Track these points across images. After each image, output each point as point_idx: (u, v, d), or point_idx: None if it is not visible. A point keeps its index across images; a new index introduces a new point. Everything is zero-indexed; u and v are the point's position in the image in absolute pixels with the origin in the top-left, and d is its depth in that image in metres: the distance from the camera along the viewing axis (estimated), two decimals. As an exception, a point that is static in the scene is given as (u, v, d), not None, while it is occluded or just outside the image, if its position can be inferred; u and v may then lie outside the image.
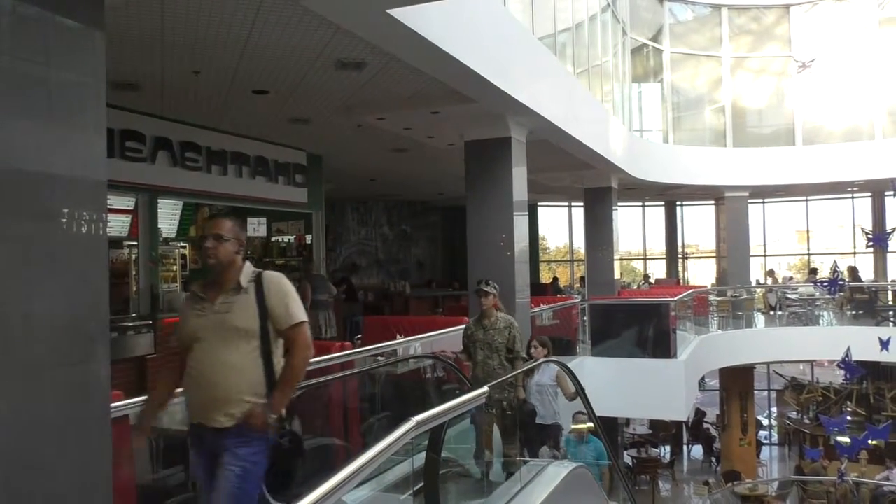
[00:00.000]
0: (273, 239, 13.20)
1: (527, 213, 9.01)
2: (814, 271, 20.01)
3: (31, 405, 2.57)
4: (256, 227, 12.39)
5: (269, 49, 6.00)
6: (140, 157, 7.94)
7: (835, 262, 16.95)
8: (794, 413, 19.17)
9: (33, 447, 2.55)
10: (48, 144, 2.77)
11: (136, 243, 8.75)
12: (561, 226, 22.97)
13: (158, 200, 8.83)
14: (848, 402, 16.95)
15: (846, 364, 7.01)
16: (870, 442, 9.77)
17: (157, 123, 8.15)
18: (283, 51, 6.06)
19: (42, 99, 2.76)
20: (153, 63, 6.26)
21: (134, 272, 8.64)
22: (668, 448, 18.96)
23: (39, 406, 2.60)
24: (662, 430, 18.98)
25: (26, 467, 2.52)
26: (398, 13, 4.95)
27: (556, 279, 19.50)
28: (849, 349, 7.06)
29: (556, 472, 5.37)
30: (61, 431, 2.65)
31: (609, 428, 10.37)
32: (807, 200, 21.26)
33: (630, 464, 15.75)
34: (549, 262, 24.11)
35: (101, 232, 2.97)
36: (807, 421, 18.09)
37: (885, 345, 7.29)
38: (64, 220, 2.76)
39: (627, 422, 17.99)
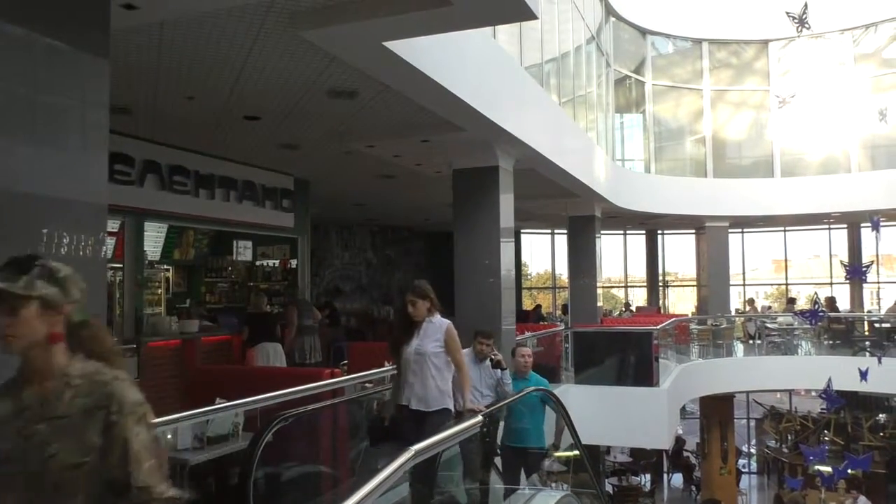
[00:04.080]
0: (258, 263, 13.17)
1: (513, 239, 9.09)
2: (792, 301, 20.28)
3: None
4: (242, 251, 12.37)
5: (263, 76, 6.06)
6: (128, 180, 7.93)
7: (815, 293, 17.19)
8: (773, 442, 19.28)
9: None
10: (51, 169, 2.80)
11: (120, 266, 8.71)
12: (543, 253, 23.13)
13: (145, 223, 8.81)
14: (826, 432, 17.09)
15: (827, 394, 7.10)
16: (848, 472, 9.85)
17: (147, 147, 8.16)
18: (278, 78, 6.12)
19: (46, 125, 2.80)
20: (147, 88, 6.30)
21: (118, 295, 8.59)
22: (648, 476, 18.95)
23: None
24: (643, 458, 18.99)
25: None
26: (393, 45, 5.05)
27: (538, 306, 19.56)
28: (830, 380, 7.16)
29: (543, 502, 5.39)
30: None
31: (591, 456, 10.39)
32: (784, 231, 21.60)
33: (611, 492, 15.72)
34: (529, 288, 24.19)
35: (100, 255, 2.99)
36: (785, 450, 18.19)
37: (864, 375, 7.39)
38: (65, 243, 2.77)
39: (608, 449, 17.98)
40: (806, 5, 6.76)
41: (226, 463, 4.64)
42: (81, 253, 2.76)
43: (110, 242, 9.27)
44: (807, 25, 7.16)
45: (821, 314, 8.08)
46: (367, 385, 5.99)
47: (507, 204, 8.78)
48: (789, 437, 18.27)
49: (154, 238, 11.07)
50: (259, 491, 3.93)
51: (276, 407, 4.45)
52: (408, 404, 4.57)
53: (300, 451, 4.97)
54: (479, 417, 3.64)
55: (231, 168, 9.43)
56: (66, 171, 2.87)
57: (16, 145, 2.65)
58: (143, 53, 5.42)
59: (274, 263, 13.00)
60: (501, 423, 6.14)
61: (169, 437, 4.87)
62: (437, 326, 4.67)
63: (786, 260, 22.46)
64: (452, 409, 4.60)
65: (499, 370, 5.89)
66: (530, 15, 4.65)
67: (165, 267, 11.53)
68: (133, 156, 7.98)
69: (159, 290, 10.35)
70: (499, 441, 6.14)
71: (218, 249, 12.83)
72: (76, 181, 2.90)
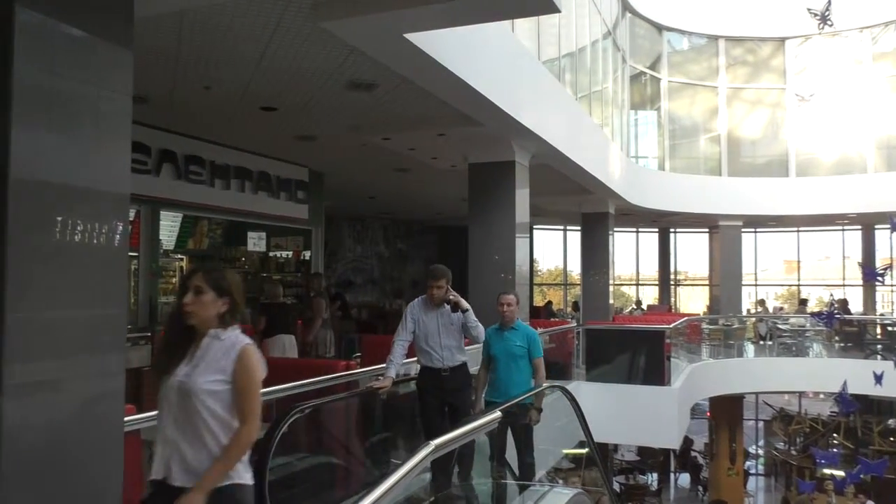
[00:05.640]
0: (271, 254, 13.18)
1: (528, 235, 9.05)
2: (804, 302, 20.14)
3: (46, 415, 2.57)
4: (256, 242, 12.39)
5: (282, 67, 6.04)
6: (145, 169, 7.96)
7: (831, 294, 17.06)
8: (782, 444, 19.19)
9: (47, 457, 2.54)
10: (74, 158, 2.79)
11: (135, 254, 8.74)
12: (554, 249, 23.07)
13: (160, 213, 8.84)
14: (835, 435, 16.99)
15: (843, 398, 7.01)
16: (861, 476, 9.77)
17: (163, 136, 8.18)
18: (296, 69, 6.11)
19: (70, 114, 2.78)
20: (165, 77, 6.29)
21: (133, 283, 8.61)
22: (655, 475, 18.91)
23: (55, 416, 2.60)
24: (650, 457, 18.95)
25: (40, 476, 2.51)
26: (414, 38, 5.02)
27: (549, 303, 19.52)
28: (845, 383, 7.07)
29: (555, 499, 5.38)
30: (75, 442, 2.65)
31: (601, 453, 10.35)
32: (798, 231, 21.45)
33: (618, 490, 15.69)
34: (540, 284, 24.13)
35: (121, 245, 2.98)
36: (794, 452, 18.10)
37: (878, 379, 7.28)
38: (86, 232, 2.77)
39: (616, 447, 17.94)
40: (830, 1, 6.66)
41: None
42: (96, 241, 2.75)
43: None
44: (829, 22, 7.05)
45: (837, 316, 7.99)
46: (378, 377, 5.97)
47: (522, 199, 8.74)
48: (798, 440, 18.18)
49: (169, 227, 11.09)
50: (274, 481, 3.93)
51: (291, 398, 4.43)
52: (164, 478, 2.54)
53: (315, 442, 4.97)
54: (498, 413, 3.60)
55: (246, 159, 9.45)
56: (89, 160, 2.86)
57: (39, 135, 2.64)
58: (161, 42, 5.41)
59: (287, 255, 13.01)
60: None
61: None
62: (225, 347, 2.65)
63: (798, 261, 22.32)
64: (251, 482, 2.64)
65: (459, 312, 5.08)
66: (553, 8, 4.61)
67: (180, 256, 11.55)
68: (149, 145, 8.01)
69: (174, 279, 10.37)
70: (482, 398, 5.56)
71: (232, 240, 12.84)
72: (99, 171, 2.89)
